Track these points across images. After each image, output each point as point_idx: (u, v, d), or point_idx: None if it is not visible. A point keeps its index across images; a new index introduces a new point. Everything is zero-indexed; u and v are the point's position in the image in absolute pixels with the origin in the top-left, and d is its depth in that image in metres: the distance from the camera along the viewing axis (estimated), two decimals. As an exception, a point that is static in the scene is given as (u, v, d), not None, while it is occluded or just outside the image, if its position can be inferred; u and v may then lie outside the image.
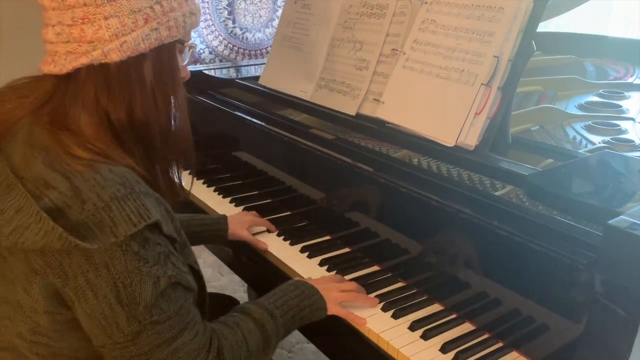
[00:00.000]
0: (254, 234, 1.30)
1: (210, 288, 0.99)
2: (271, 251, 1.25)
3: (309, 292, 0.99)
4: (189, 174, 0.96)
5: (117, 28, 0.75)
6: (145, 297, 0.73)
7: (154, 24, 0.78)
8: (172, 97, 0.85)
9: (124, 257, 0.71)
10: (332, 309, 1.00)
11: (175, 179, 0.89)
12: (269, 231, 1.34)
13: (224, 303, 1.27)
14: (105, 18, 0.75)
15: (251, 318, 0.91)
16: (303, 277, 1.13)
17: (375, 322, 1.01)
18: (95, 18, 0.75)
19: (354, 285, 1.08)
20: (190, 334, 0.79)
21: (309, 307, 0.97)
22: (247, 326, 0.89)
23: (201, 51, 2.78)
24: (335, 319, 1.03)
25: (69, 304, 0.75)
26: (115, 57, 0.76)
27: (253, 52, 2.92)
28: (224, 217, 1.29)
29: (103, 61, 0.76)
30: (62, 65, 0.77)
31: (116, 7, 0.75)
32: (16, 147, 0.78)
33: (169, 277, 0.75)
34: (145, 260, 0.73)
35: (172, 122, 0.85)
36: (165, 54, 0.82)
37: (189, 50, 0.87)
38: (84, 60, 0.76)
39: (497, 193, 0.98)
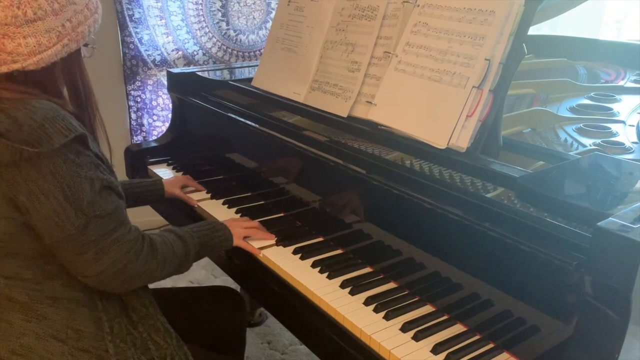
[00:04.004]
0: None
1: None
2: (267, 255, 1.25)
3: (219, 227, 1.24)
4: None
5: (35, 46, 0.92)
6: (86, 194, 0.92)
7: (65, 40, 0.95)
8: (77, 76, 1.02)
9: (64, 165, 0.90)
10: (236, 242, 1.26)
11: (96, 118, 1.08)
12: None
13: (223, 294, 1.43)
14: (24, 37, 0.91)
15: (174, 233, 1.14)
16: (288, 272, 1.19)
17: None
18: (15, 36, 0.90)
19: (255, 223, 1.33)
20: (126, 229, 1.00)
21: (218, 237, 1.22)
22: (172, 237, 1.13)
23: (195, 53, 2.78)
24: (326, 318, 1.05)
25: (22, 209, 0.91)
26: (31, 68, 0.93)
27: (247, 54, 2.92)
28: (160, 180, 1.53)
29: (20, 69, 0.92)
30: None
31: (33, 28, 0.91)
32: None
33: (101, 180, 0.95)
34: (80, 167, 0.92)
35: (79, 85, 1.03)
36: (73, 56, 1.00)
37: (93, 46, 1.05)
38: (4, 69, 0.92)
39: (488, 195, 0.98)
